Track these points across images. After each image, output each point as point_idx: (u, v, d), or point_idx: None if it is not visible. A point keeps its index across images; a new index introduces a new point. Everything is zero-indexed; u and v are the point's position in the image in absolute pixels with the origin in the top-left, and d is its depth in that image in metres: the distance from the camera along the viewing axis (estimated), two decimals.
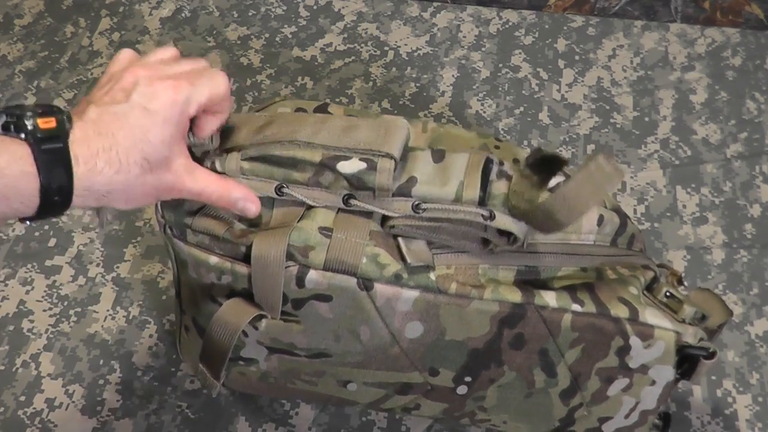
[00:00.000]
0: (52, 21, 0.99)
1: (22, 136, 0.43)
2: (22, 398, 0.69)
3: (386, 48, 0.94)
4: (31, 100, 0.91)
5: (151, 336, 0.73)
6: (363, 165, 0.50)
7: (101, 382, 0.70)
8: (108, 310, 0.74)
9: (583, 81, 0.90)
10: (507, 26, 0.95)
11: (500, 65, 0.92)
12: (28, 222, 0.46)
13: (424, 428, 0.67)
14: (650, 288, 0.55)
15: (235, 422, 0.67)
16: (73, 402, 0.69)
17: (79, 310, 0.75)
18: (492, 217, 0.49)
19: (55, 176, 0.44)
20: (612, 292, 0.52)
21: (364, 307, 0.52)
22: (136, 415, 0.68)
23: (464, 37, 0.95)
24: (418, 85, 0.90)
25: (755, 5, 0.96)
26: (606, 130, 0.85)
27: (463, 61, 0.92)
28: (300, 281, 0.52)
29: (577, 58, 0.92)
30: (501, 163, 0.52)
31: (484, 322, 0.52)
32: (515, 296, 0.51)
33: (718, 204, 0.79)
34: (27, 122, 0.44)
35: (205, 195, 0.51)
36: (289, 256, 0.51)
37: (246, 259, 0.52)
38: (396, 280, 0.51)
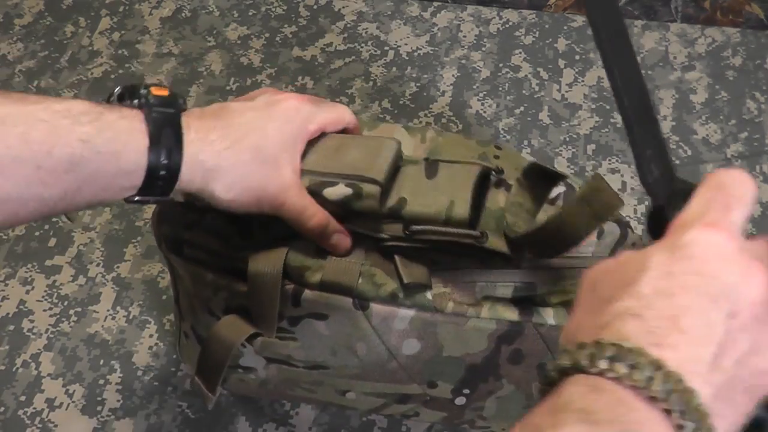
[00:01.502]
0: (52, 21, 0.99)
1: (135, 102, 0.44)
2: (23, 398, 0.69)
3: (386, 48, 0.94)
4: None
5: (151, 336, 0.73)
6: (349, 191, 0.49)
7: (101, 382, 0.70)
8: (108, 310, 0.74)
9: (583, 81, 0.90)
10: (507, 26, 0.95)
11: (500, 65, 0.92)
12: (136, 198, 0.44)
13: (424, 429, 0.67)
14: None
15: (235, 422, 0.67)
16: (74, 402, 0.69)
17: (79, 309, 0.75)
18: (484, 238, 0.48)
19: (165, 137, 0.43)
20: None
21: (360, 325, 0.51)
22: (137, 415, 0.68)
23: (464, 36, 0.95)
24: (418, 84, 0.90)
25: (755, 5, 0.96)
26: (606, 129, 0.85)
27: (464, 61, 0.92)
28: (296, 300, 0.51)
29: (577, 57, 0.92)
30: (500, 171, 0.51)
31: (482, 339, 0.51)
32: (512, 314, 0.50)
33: None
34: (141, 91, 0.44)
35: (304, 216, 0.49)
36: (285, 275, 0.51)
37: (242, 275, 0.51)
38: (392, 299, 0.50)
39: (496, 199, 0.50)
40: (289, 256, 0.51)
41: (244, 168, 0.46)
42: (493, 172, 0.51)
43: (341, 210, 0.50)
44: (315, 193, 0.49)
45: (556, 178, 0.48)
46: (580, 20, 0.95)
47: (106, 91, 0.91)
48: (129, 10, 1.00)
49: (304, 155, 0.50)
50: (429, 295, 0.50)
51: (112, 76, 0.93)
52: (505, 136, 0.85)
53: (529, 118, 0.87)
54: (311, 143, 0.51)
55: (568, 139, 0.85)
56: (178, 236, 0.54)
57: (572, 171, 0.82)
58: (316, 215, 0.49)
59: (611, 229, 0.53)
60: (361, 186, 0.49)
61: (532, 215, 0.50)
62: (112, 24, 0.98)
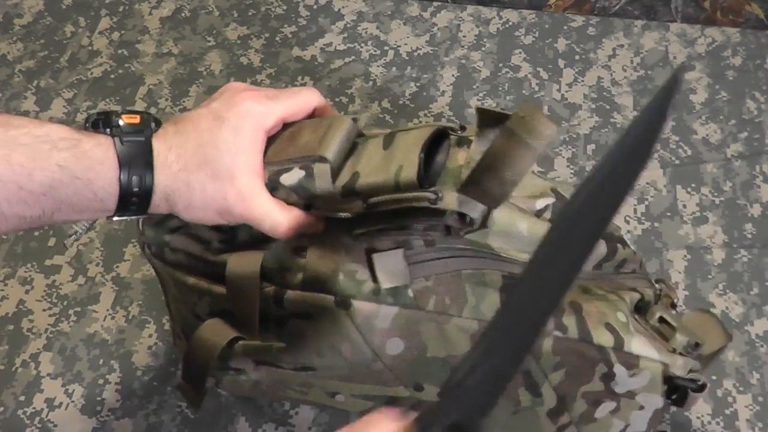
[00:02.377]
0: (52, 21, 0.99)
1: (108, 131, 0.45)
2: (22, 398, 0.69)
3: (386, 48, 0.94)
4: (31, 99, 0.91)
5: (150, 336, 0.73)
6: (302, 173, 0.48)
7: (101, 381, 0.70)
8: (108, 310, 0.74)
9: (583, 81, 0.90)
10: (507, 26, 0.95)
11: (500, 65, 0.92)
12: (115, 218, 0.47)
13: None
14: (643, 310, 0.53)
15: (234, 422, 0.67)
16: (73, 402, 0.69)
17: (78, 309, 0.75)
18: (438, 197, 0.46)
19: (135, 165, 0.45)
20: (600, 317, 0.50)
21: (344, 324, 0.51)
22: (136, 414, 0.68)
23: (464, 36, 0.95)
24: (418, 84, 0.90)
25: (755, 5, 0.96)
26: (606, 129, 0.85)
27: (463, 61, 0.92)
28: (278, 301, 0.51)
29: (577, 57, 0.92)
30: (462, 129, 0.49)
31: (465, 341, 0.50)
32: None
33: (718, 204, 0.79)
34: (113, 119, 0.46)
35: (268, 223, 0.48)
36: (266, 277, 0.51)
37: (223, 279, 0.51)
38: (374, 295, 0.50)
39: (456, 157, 0.48)
40: (267, 258, 0.50)
41: (198, 186, 0.46)
42: (451, 131, 0.49)
43: (302, 197, 0.49)
44: (274, 186, 0.49)
45: (502, 118, 0.45)
46: (580, 20, 0.95)
47: (106, 91, 0.92)
48: (129, 10, 1.00)
49: (265, 151, 0.49)
50: (410, 291, 0.50)
51: (112, 76, 0.93)
52: None
53: None
54: (272, 137, 0.50)
55: (568, 139, 0.85)
56: (160, 241, 0.54)
57: (572, 171, 0.82)
58: (281, 221, 0.48)
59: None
60: (312, 166, 0.48)
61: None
62: (112, 24, 0.98)
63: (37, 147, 0.43)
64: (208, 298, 0.53)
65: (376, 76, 0.91)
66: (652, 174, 0.82)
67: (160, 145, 0.46)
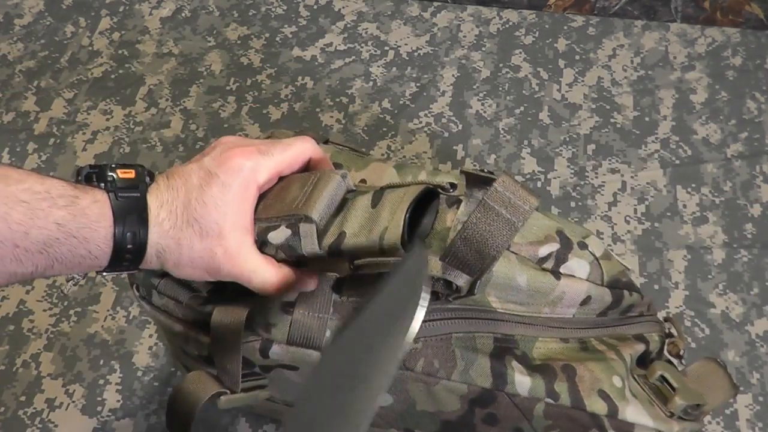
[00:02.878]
0: (52, 21, 0.99)
1: (102, 185, 0.45)
2: (23, 398, 0.69)
3: (386, 48, 0.94)
4: (31, 99, 0.91)
5: (151, 336, 0.73)
6: (288, 232, 0.47)
7: (101, 382, 0.70)
8: (108, 310, 0.74)
9: (583, 81, 0.90)
10: (507, 26, 0.95)
11: (500, 65, 0.92)
12: (104, 273, 0.46)
13: None
14: (644, 362, 0.51)
15: (235, 423, 0.67)
16: (74, 402, 0.69)
17: (79, 310, 0.75)
18: None
19: (130, 222, 0.44)
20: (593, 384, 0.48)
21: None
22: (137, 415, 0.68)
23: (464, 36, 0.95)
24: (418, 85, 0.90)
25: (755, 5, 0.96)
26: (606, 129, 0.85)
27: (464, 61, 0.92)
28: (264, 353, 0.51)
29: (577, 57, 0.92)
30: (451, 187, 0.48)
31: (454, 400, 0.49)
32: (485, 381, 0.48)
33: (718, 204, 0.79)
34: (108, 173, 0.45)
35: (256, 281, 0.48)
36: (252, 330, 0.50)
37: (208, 327, 0.51)
38: None
39: (445, 218, 0.47)
40: (255, 311, 0.50)
41: (187, 244, 0.46)
42: (441, 190, 0.48)
43: (289, 255, 0.48)
44: (263, 242, 0.48)
45: (487, 180, 0.45)
46: (580, 20, 0.95)
47: (107, 91, 0.92)
48: (129, 10, 1.00)
49: (257, 205, 0.48)
50: None
51: (113, 77, 0.93)
52: (505, 136, 0.85)
53: (529, 118, 0.87)
54: (266, 191, 0.49)
55: (568, 139, 0.85)
56: (148, 283, 0.54)
57: (572, 171, 0.82)
58: (269, 279, 0.48)
59: (600, 295, 0.50)
60: (298, 225, 0.47)
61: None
62: (112, 24, 0.98)
63: (37, 204, 0.42)
64: (194, 345, 0.53)
65: (376, 76, 0.91)
66: (653, 174, 0.82)
67: (153, 200, 0.46)
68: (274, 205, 0.48)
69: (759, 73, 0.89)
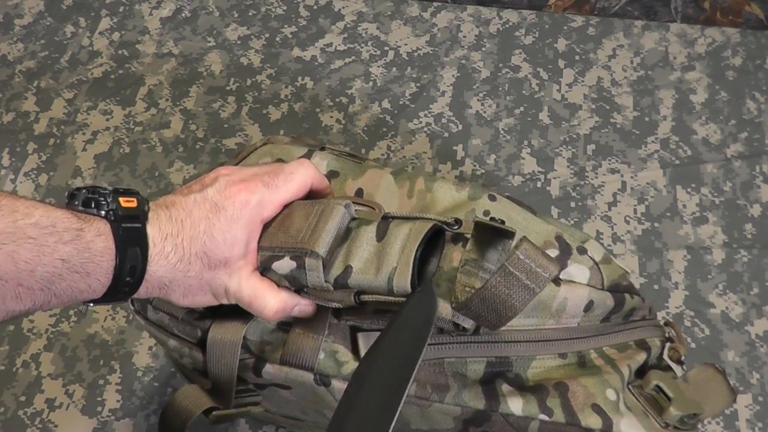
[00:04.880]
0: (52, 21, 0.99)
1: (103, 213, 0.44)
2: (23, 398, 0.69)
3: (386, 48, 0.94)
4: (31, 100, 0.91)
5: (151, 336, 0.73)
6: (293, 264, 0.47)
7: (101, 382, 0.70)
8: (108, 311, 0.74)
9: (583, 81, 0.90)
10: (507, 26, 0.95)
11: (500, 65, 0.92)
12: (91, 304, 0.45)
13: None
14: (644, 370, 0.51)
15: (235, 423, 0.67)
16: (74, 402, 0.69)
17: (79, 310, 0.75)
18: None
19: (131, 255, 0.44)
20: (587, 398, 0.48)
21: (324, 398, 0.51)
22: (137, 415, 0.68)
23: (464, 37, 0.95)
24: (418, 85, 0.90)
25: (755, 5, 0.96)
26: (606, 130, 0.85)
27: (463, 61, 0.92)
28: (257, 371, 0.51)
29: (577, 58, 0.92)
30: (456, 224, 0.47)
31: (448, 420, 0.49)
32: (478, 403, 0.48)
33: (718, 204, 0.79)
34: (109, 200, 0.44)
35: (256, 306, 0.48)
36: (246, 349, 0.50)
37: (203, 343, 0.51)
38: None
39: (451, 257, 0.46)
40: (250, 329, 0.50)
41: (194, 275, 0.46)
42: (447, 227, 0.48)
43: (293, 285, 0.48)
44: (266, 268, 0.48)
45: (504, 234, 0.45)
46: (580, 20, 0.95)
47: (107, 91, 0.92)
48: (129, 10, 1.00)
49: (261, 233, 0.49)
50: None
51: (113, 77, 0.93)
52: (505, 137, 0.85)
53: (529, 119, 0.87)
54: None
55: (568, 139, 0.85)
56: (144, 298, 0.53)
57: (572, 171, 0.82)
58: (269, 303, 0.48)
59: (602, 299, 0.49)
60: (303, 258, 0.47)
61: (490, 273, 0.46)
62: (112, 24, 0.98)
63: (43, 240, 0.41)
64: (189, 360, 0.54)
65: (376, 76, 0.91)
66: (652, 174, 0.82)
67: (154, 232, 0.45)
68: (277, 234, 0.48)
69: (759, 73, 0.89)
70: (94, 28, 0.98)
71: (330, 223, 0.47)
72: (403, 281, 0.45)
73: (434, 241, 0.47)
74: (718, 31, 0.94)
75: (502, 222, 0.47)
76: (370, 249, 0.47)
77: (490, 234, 0.46)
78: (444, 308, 0.45)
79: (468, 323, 0.45)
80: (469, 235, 0.46)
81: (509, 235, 0.45)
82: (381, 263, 0.46)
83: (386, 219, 0.48)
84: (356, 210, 0.49)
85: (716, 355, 0.70)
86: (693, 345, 0.70)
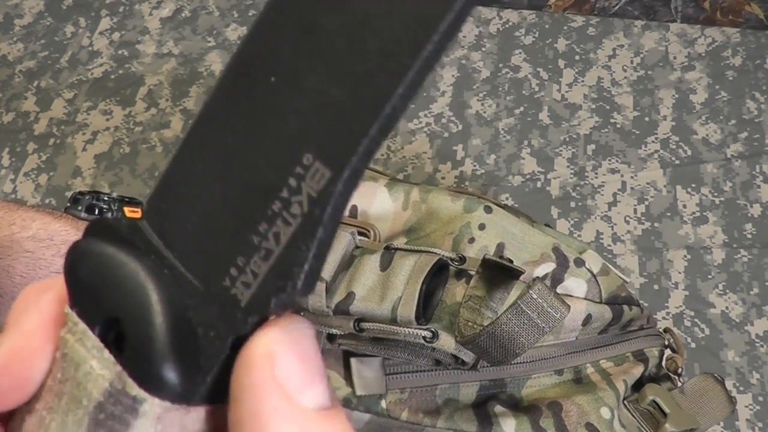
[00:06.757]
0: (52, 21, 0.99)
1: None
2: None
3: None
4: (31, 100, 0.91)
5: None
6: None
7: None
8: None
9: (583, 81, 0.90)
10: (507, 26, 0.95)
11: (500, 65, 0.92)
12: None
13: None
14: (641, 383, 0.51)
15: None
16: None
17: None
18: (435, 337, 0.45)
19: None
20: (580, 417, 0.47)
21: None
22: None
23: (464, 37, 0.95)
24: None
25: (755, 5, 0.96)
26: (606, 129, 0.85)
27: (463, 61, 0.92)
28: None
29: (577, 58, 0.92)
30: (461, 260, 0.48)
31: None
32: (470, 426, 0.48)
33: (718, 204, 0.79)
34: (114, 208, 0.44)
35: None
36: None
37: None
38: (346, 403, 0.49)
39: (454, 292, 0.47)
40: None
41: None
42: (451, 261, 0.48)
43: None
44: None
45: (512, 273, 0.45)
46: (580, 20, 0.95)
47: (107, 91, 0.92)
48: (129, 10, 1.00)
49: None
50: (383, 403, 0.49)
51: (113, 77, 0.93)
52: (505, 136, 0.85)
53: (529, 118, 0.87)
54: None
55: (568, 139, 0.85)
56: None
57: (572, 171, 0.82)
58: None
59: (600, 312, 0.49)
60: None
61: (493, 311, 0.46)
62: (112, 24, 0.99)
63: (40, 254, 0.40)
64: None
65: None
66: (652, 174, 0.82)
67: None
68: None
69: (759, 73, 0.89)
70: (94, 28, 0.98)
71: (336, 249, 0.47)
72: (408, 311, 0.46)
73: (437, 274, 0.48)
74: (718, 31, 0.94)
75: (510, 261, 0.47)
76: (373, 278, 0.48)
77: (497, 272, 0.46)
78: (446, 341, 0.45)
79: (468, 357, 0.46)
80: (472, 272, 0.47)
81: (516, 274, 0.45)
82: (385, 292, 0.47)
83: (389, 249, 0.49)
84: (359, 240, 0.49)
85: (716, 355, 0.70)
86: (693, 345, 0.70)
